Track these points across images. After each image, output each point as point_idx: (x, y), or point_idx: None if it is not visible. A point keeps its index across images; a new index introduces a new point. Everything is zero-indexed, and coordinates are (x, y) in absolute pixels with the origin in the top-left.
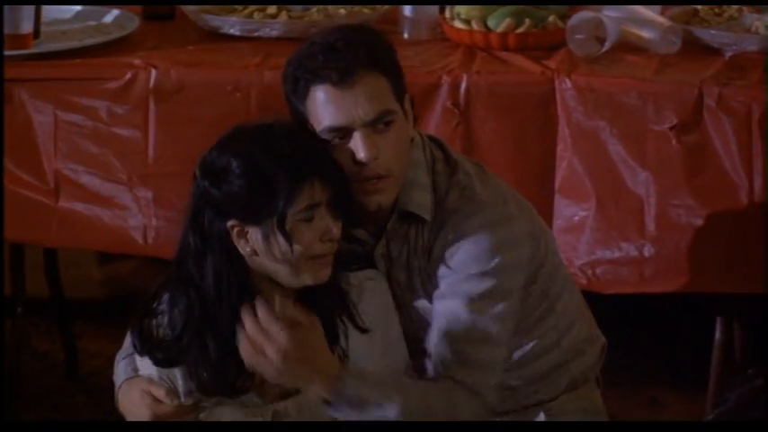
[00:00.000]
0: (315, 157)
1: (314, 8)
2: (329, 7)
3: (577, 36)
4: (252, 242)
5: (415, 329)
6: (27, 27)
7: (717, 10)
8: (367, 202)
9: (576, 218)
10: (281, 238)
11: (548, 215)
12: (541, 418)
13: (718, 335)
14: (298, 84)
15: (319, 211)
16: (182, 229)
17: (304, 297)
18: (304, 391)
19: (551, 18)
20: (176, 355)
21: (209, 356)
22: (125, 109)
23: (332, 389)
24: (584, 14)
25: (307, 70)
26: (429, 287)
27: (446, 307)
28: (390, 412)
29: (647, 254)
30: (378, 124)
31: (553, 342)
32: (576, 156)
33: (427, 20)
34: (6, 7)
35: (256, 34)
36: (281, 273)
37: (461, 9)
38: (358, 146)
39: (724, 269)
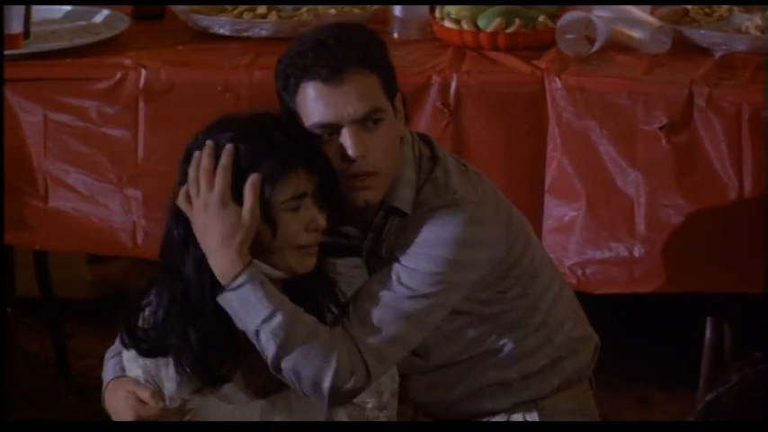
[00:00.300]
0: (301, 146)
1: (304, 8)
2: (319, 7)
3: (567, 36)
4: None
5: None
6: (17, 27)
7: (707, 10)
8: (355, 198)
9: (566, 218)
10: (264, 226)
11: (537, 215)
12: (535, 417)
13: (708, 334)
14: (288, 80)
15: (305, 201)
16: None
17: (291, 285)
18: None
19: (541, 18)
20: (160, 344)
21: (190, 344)
22: (115, 109)
23: (232, 274)
24: (575, 14)
25: (297, 67)
26: None
27: (380, 271)
28: (266, 324)
29: (637, 254)
30: (367, 122)
31: (545, 339)
32: (565, 155)
33: (417, 20)
34: None
35: (246, 34)
36: (266, 261)
37: (451, 9)
38: (346, 143)
39: (714, 269)
